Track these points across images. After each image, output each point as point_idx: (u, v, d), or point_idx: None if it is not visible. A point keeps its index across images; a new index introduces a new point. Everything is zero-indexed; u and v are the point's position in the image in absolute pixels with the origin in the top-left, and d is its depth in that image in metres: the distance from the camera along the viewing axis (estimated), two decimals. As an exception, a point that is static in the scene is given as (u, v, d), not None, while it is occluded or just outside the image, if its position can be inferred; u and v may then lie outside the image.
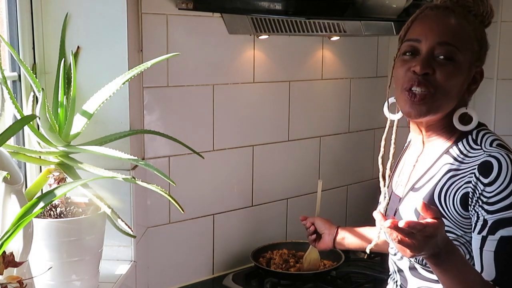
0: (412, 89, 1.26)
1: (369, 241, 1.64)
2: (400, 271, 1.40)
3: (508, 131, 2.49)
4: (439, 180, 1.28)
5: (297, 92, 2.32)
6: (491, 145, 1.25)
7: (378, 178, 1.44)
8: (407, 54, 1.30)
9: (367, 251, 1.49)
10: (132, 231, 1.48)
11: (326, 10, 2.14)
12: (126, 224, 1.42)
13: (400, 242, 1.08)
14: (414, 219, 1.29)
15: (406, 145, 1.51)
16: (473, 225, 1.22)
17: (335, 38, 2.34)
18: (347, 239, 1.77)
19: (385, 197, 1.41)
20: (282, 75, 2.27)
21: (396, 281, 1.43)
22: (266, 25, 1.98)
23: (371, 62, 2.56)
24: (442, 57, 1.26)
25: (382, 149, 1.42)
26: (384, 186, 1.41)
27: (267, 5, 2.02)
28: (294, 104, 2.32)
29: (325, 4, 2.14)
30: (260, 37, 2.14)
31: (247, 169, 2.21)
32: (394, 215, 1.37)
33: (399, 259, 1.39)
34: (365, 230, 1.75)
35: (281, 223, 2.36)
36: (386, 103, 1.40)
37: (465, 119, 1.31)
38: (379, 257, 2.20)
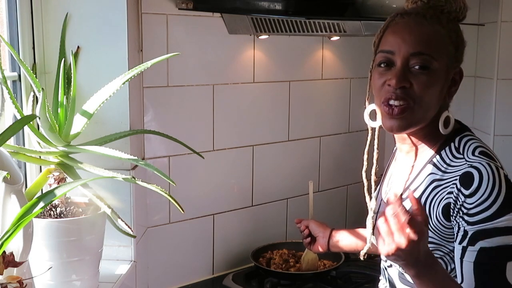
0: (390, 102, 1.25)
1: (364, 242, 1.64)
2: (387, 271, 1.40)
3: (508, 131, 2.49)
4: (424, 190, 1.27)
5: (297, 92, 2.32)
6: (473, 153, 1.23)
7: (375, 182, 1.44)
8: (382, 65, 1.28)
9: (361, 257, 1.48)
10: (132, 231, 1.48)
11: (326, 10, 2.14)
12: (126, 224, 1.42)
13: (385, 232, 1.07)
14: None
15: (394, 151, 1.51)
16: (455, 235, 1.22)
17: (335, 38, 2.34)
18: (341, 241, 1.77)
19: (371, 207, 1.41)
20: (282, 75, 2.27)
21: (385, 283, 1.43)
22: (266, 25, 1.98)
23: (371, 62, 2.56)
24: (417, 67, 1.23)
25: (365, 162, 1.41)
26: (370, 200, 1.41)
27: (267, 5, 2.02)
28: (294, 104, 2.32)
29: (325, 4, 2.14)
30: (260, 37, 2.14)
31: (247, 169, 2.21)
32: None
33: (389, 266, 1.39)
34: (359, 232, 1.74)
35: (281, 223, 2.36)
36: (366, 111, 1.38)
37: (447, 122, 1.30)
38: (379, 257, 2.20)
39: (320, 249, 1.80)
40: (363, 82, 2.55)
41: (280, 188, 2.33)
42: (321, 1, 2.13)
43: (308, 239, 1.83)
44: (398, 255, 1.08)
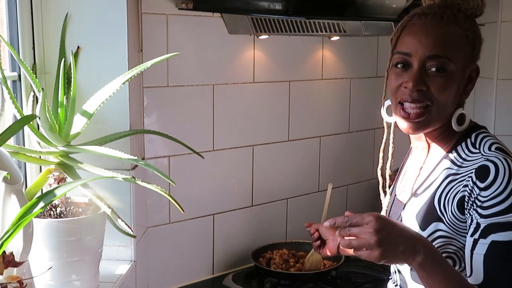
0: (405, 105, 1.27)
1: None
2: (400, 273, 1.40)
3: (508, 131, 2.49)
4: (439, 185, 1.28)
5: (297, 92, 2.32)
6: (489, 148, 1.24)
7: (378, 179, 1.44)
8: (399, 66, 1.29)
9: None
10: (132, 231, 1.48)
11: (326, 10, 2.14)
12: (126, 224, 1.42)
13: (351, 246, 1.14)
14: (415, 224, 1.29)
15: (409, 150, 1.51)
16: (468, 228, 1.22)
17: (335, 38, 2.34)
18: None
19: (387, 205, 1.42)
20: (282, 75, 2.27)
21: (396, 283, 1.43)
22: (266, 25, 1.98)
23: (371, 62, 2.56)
24: (433, 69, 1.24)
25: (380, 160, 1.42)
26: (385, 197, 1.42)
27: (267, 5, 2.02)
28: (294, 104, 2.32)
29: (325, 4, 2.14)
30: (260, 37, 2.14)
31: (247, 169, 2.21)
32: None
33: (400, 264, 1.39)
34: None
35: (281, 223, 2.36)
36: (382, 108, 1.39)
37: (462, 119, 1.31)
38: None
39: (329, 253, 1.80)
40: (363, 82, 2.56)
41: (280, 188, 2.33)
42: (321, 1, 2.13)
43: (318, 242, 1.82)
44: (383, 249, 1.13)
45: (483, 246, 1.18)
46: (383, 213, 1.43)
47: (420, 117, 1.26)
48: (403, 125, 1.29)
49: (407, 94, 1.26)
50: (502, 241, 1.17)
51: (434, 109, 1.26)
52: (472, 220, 1.21)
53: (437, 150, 1.33)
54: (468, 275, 1.21)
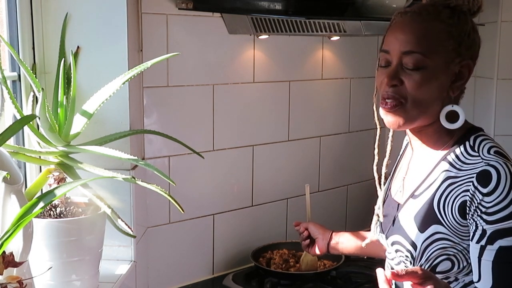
0: (386, 100, 1.29)
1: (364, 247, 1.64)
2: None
3: (508, 131, 2.49)
4: (438, 187, 1.27)
5: (297, 92, 2.32)
6: (489, 152, 1.23)
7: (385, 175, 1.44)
8: (382, 64, 1.31)
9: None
10: (132, 231, 1.48)
11: (326, 10, 2.14)
12: (126, 224, 1.42)
13: None
14: (413, 226, 1.29)
15: (403, 149, 1.51)
16: (471, 234, 1.22)
17: (335, 38, 2.34)
18: (341, 243, 1.77)
19: (382, 203, 1.42)
20: (282, 75, 2.27)
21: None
22: (266, 25, 1.98)
23: (371, 62, 2.56)
24: (410, 66, 1.25)
25: (376, 156, 1.43)
26: (381, 191, 1.42)
27: (267, 5, 2.02)
28: (294, 104, 2.32)
29: (325, 4, 2.14)
30: (260, 37, 2.14)
31: (247, 169, 2.21)
32: (394, 222, 1.37)
33: (396, 264, 1.39)
34: (359, 235, 1.74)
35: (281, 223, 2.36)
36: (374, 106, 1.41)
37: (454, 116, 1.29)
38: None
39: (318, 252, 1.80)
40: (363, 82, 2.56)
41: (280, 188, 2.33)
42: (321, 1, 2.13)
43: (307, 241, 1.83)
44: None
45: (491, 252, 1.18)
46: (378, 211, 1.43)
47: (394, 108, 1.26)
48: (384, 119, 1.31)
49: (386, 91, 1.28)
50: (509, 246, 1.17)
51: (410, 105, 1.26)
52: (477, 227, 1.20)
53: (434, 151, 1.32)
54: (476, 280, 1.22)
